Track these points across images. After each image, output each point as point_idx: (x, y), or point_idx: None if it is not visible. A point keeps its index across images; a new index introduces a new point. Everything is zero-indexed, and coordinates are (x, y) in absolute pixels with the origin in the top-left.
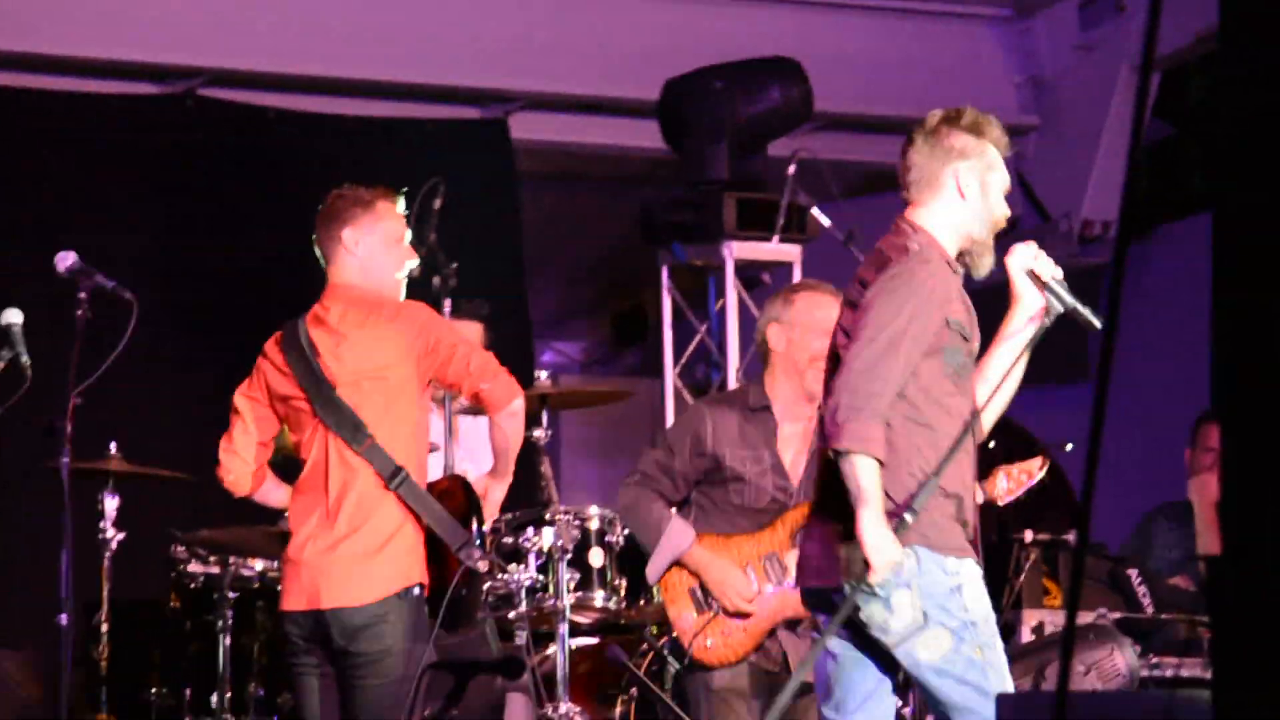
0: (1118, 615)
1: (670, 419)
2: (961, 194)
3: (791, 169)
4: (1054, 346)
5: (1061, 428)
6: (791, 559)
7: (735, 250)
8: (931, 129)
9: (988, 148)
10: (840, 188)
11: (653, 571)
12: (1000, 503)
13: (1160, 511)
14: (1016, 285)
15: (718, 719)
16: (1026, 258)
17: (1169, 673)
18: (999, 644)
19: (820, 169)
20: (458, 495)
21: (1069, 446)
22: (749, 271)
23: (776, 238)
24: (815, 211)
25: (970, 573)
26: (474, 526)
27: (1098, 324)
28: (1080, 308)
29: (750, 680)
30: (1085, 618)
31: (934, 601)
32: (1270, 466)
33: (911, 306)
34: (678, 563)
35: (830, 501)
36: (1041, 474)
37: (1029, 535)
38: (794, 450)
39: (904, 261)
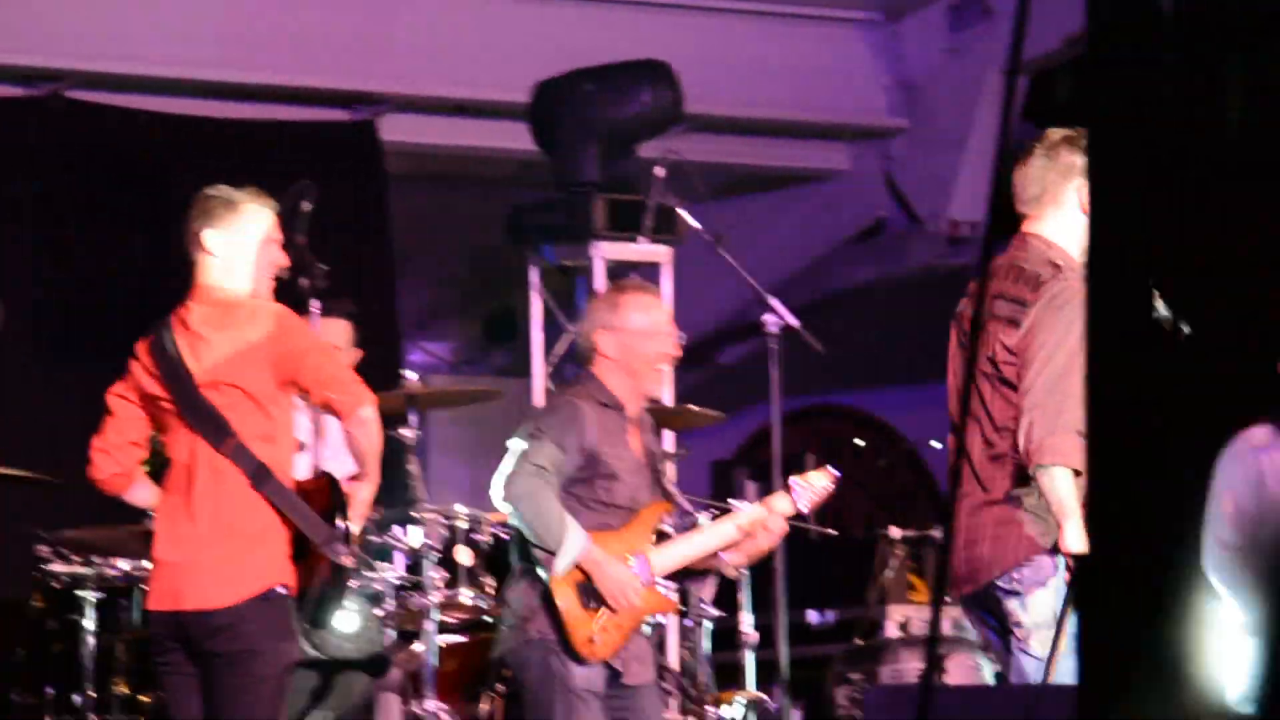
0: None
1: None
2: (1084, 209)
3: (659, 171)
4: (919, 346)
5: (927, 425)
6: (655, 556)
7: (604, 251)
8: (1051, 145)
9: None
10: (709, 189)
11: (561, 566)
12: (804, 513)
13: None
14: None
15: (573, 718)
16: None
17: None
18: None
19: (689, 171)
20: (324, 493)
21: (935, 444)
22: (618, 272)
23: (645, 239)
24: (683, 213)
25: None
26: (340, 523)
27: (1186, 330)
28: (1171, 316)
29: (604, 679)
30: (951, 612)
31: (1056, 605)
32: (1134, 467)
33: (1080, 326)
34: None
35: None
36: (830, 484)
37: (895, 532)
38: (639, 447)
39: (1060, 278)
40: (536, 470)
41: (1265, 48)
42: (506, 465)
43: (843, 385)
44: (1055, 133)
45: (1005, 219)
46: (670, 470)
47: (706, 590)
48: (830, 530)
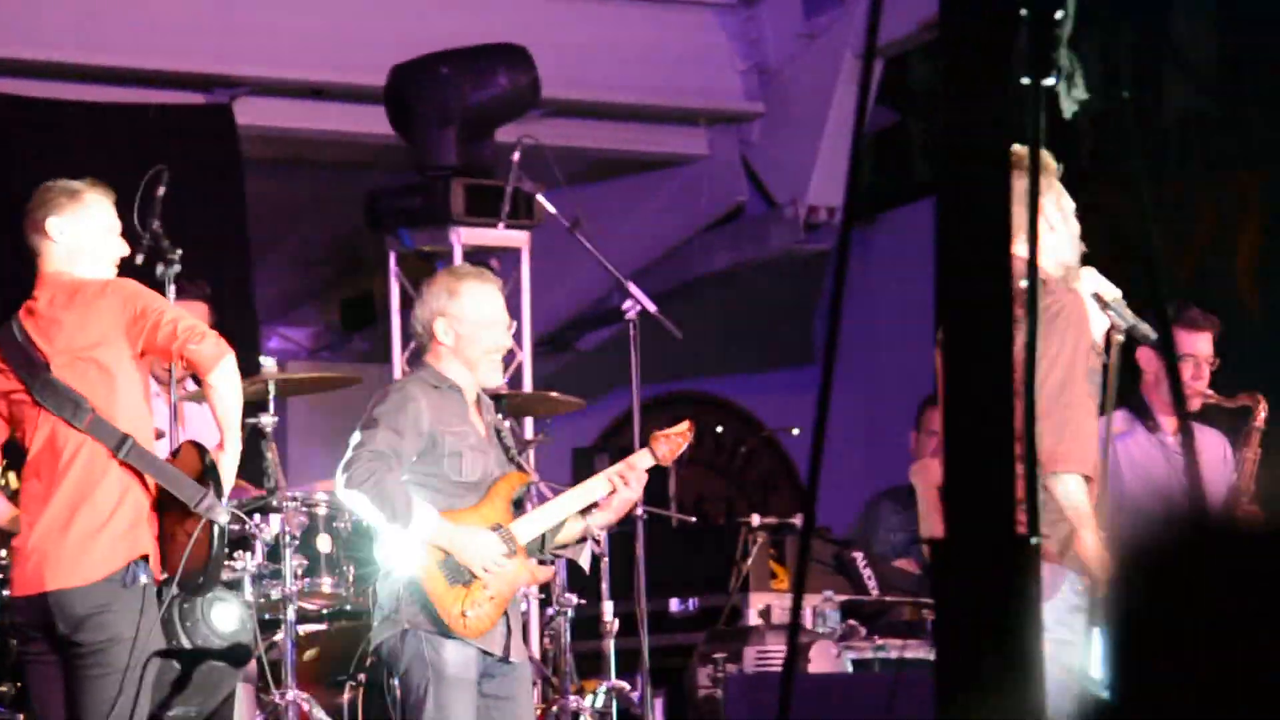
0: (844, 598)
1: None
2: (1050, 225)
3: (516, 155)
4: (778, 331)
5: (787, 412)
6: (517, 528)
7: (462, 236)
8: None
9: (1053, 179)
10: (567, 174)
11: (414, 542)
12: (665, 464)
13: (885, 495)
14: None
15: (447, 706)
16: (1093, 283)
17: (894, 654)
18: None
19: (547, 156)
20: (192, 456)
21: (795, 431)
22: (477, 257)
23: (503, 224)
24: (541, 199)
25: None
26: (210, 486)
27: (1153, 335)
28: (1138, 323)
29: (478, 664)
30: (812, 600)
31: (1055, 616)
32: (991, 451)
33: (1073, 335)
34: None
35: None
36: (687, 435)
37: (756, 519)
38: (482, 424)
39: (1047, 292)
40: (373, 455)
41: (1114, 31)
42: (345, 457)
43: (702, 371)
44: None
45: (863, 204)
46: (531, 457)
47: (584, 557)
48: (691, 518)
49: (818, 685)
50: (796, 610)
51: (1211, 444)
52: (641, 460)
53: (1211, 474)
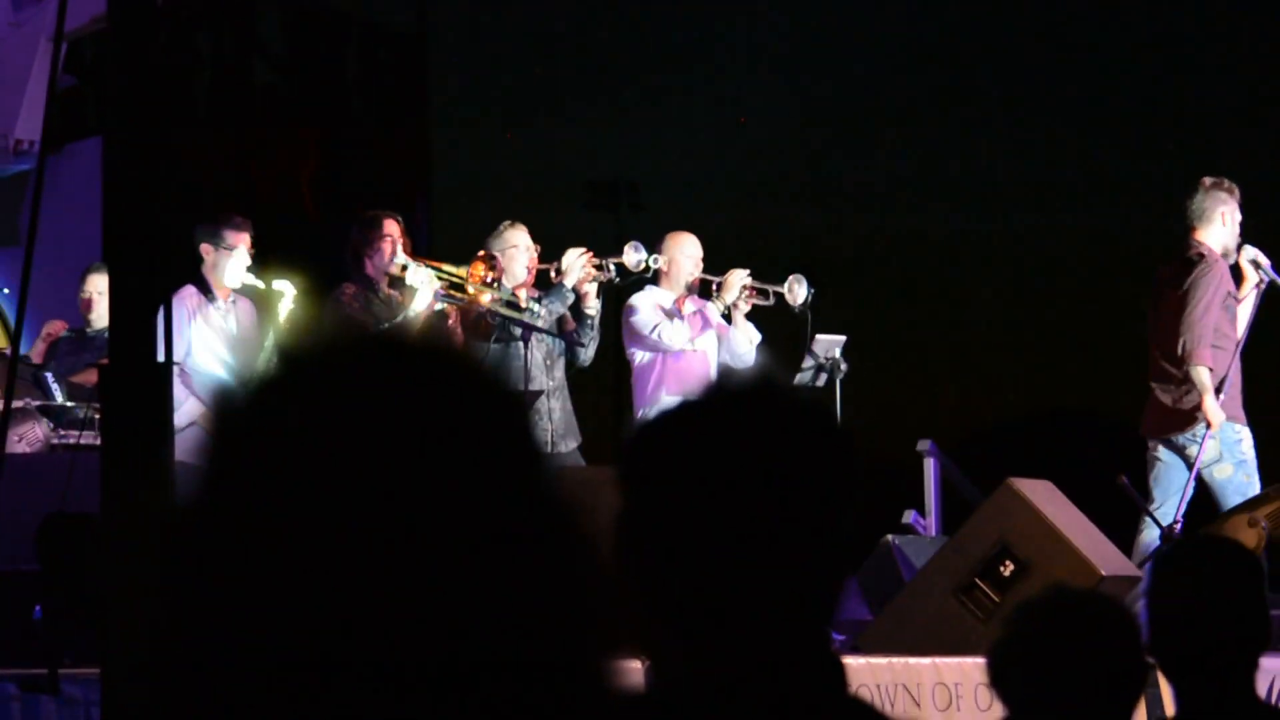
0: (39, 403)
1: None
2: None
3: None
4: None
5: None
6: None
7: None
8: (1205, 185)
9: None
10: None
11: None
12: None
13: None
14: (1246, 268)
15: None
16: (1253, 252)
17: (71, 440)
18: None
19: None
20: None
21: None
22: None
23: None
24: None
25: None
26: None
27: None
28: (1277, 279)
29: None
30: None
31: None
32: (145, 308)
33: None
34: None
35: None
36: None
37: None
38: None
39: (1204, 264)
40: None
41: (229, 29)
42: None
43: None
44: (1207, 179)
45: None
46: None
47: None
48: None
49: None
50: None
51: None
52: None
53: None
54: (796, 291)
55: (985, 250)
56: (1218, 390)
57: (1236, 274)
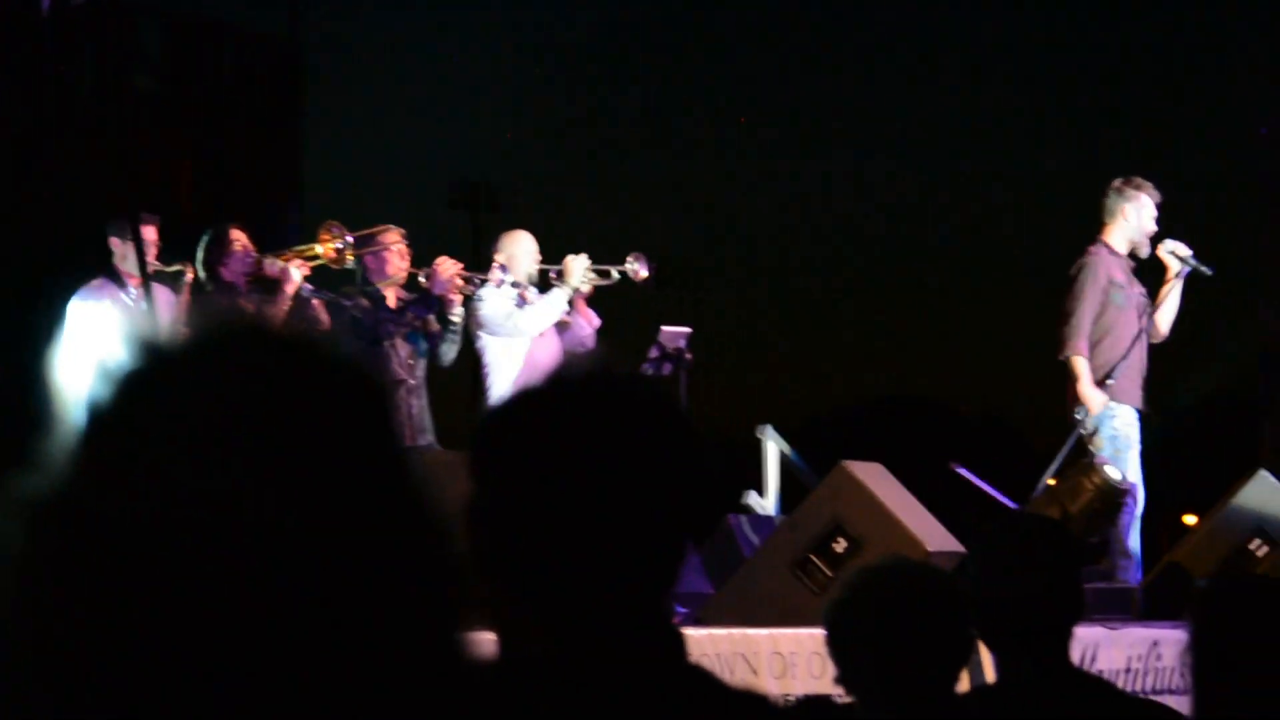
0: None
1: None
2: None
3: None
4: None
5: None
6: None
7: None
8: (1115, 186)
9: None
10: None
11: None
12: None
13: None
14: (1166, 259)
15: None
16: (1172, 244)
17: None
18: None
19: None
20: None
21: None
22: None
23: None
24: None
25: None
26: None
27: (1209, 272)
28: (1200, 267)
29: None
30: None
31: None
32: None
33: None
34: None
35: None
36: None
37: None
38: None
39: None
40: None
41: (112, 39)
42: None
43: None
44: (1117, 180)
45: None
46: None
47: None
48: None
49: None
50: None
51: None
52: None
53: None
54: (637, 268)
55: (823, 245)
56: (1110, 375)
57: (1158, 267)
